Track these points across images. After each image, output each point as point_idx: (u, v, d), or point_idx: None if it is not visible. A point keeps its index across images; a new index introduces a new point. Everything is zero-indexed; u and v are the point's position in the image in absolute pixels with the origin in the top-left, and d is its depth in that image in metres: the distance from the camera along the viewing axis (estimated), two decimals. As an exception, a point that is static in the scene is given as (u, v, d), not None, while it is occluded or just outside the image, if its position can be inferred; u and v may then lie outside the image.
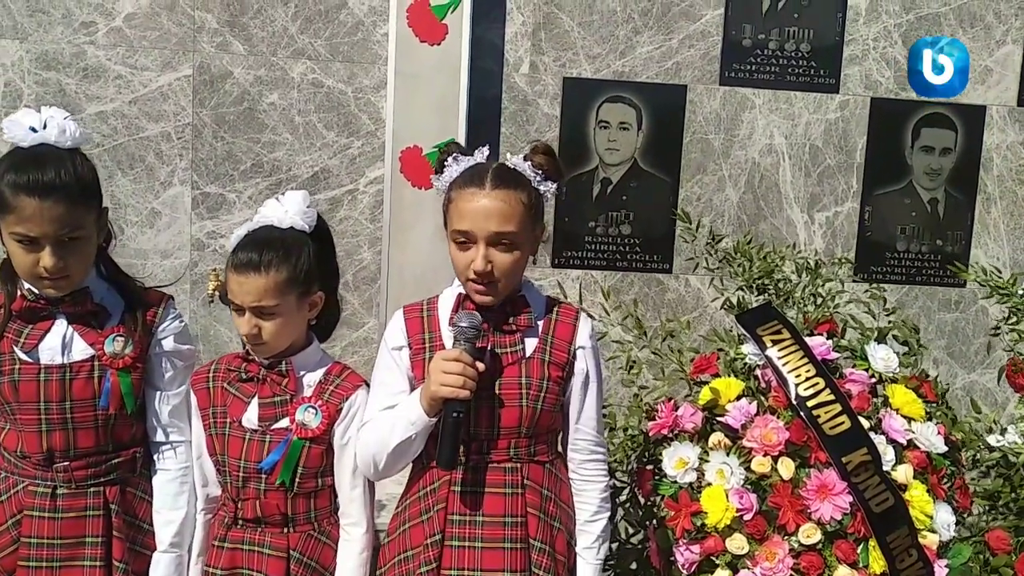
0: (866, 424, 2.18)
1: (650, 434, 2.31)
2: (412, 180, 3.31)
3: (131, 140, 3.39)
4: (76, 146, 1.87)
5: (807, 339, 2.31)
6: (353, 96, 3.44)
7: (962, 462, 2.34)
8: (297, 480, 1.90)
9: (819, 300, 2.62)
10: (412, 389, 1.85)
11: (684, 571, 2.13)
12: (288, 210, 1.95)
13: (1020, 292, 2.62)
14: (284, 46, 3.40)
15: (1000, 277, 2.64)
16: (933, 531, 2.15)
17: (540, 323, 1.89)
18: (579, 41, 3.52)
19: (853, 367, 2.34)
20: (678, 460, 2.21)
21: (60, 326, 1.89)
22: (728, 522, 2.09)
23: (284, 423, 1.91)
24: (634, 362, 2.65)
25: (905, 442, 2.21)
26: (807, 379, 2.22)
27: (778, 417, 2.19)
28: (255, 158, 3.44)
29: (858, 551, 2.09)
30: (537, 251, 1.91)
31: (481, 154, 1.87)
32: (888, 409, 2.25)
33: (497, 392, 1.82)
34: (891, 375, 2.33)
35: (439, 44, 3.27)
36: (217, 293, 3.37)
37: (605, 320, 2.89)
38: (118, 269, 2.01)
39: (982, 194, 3.78)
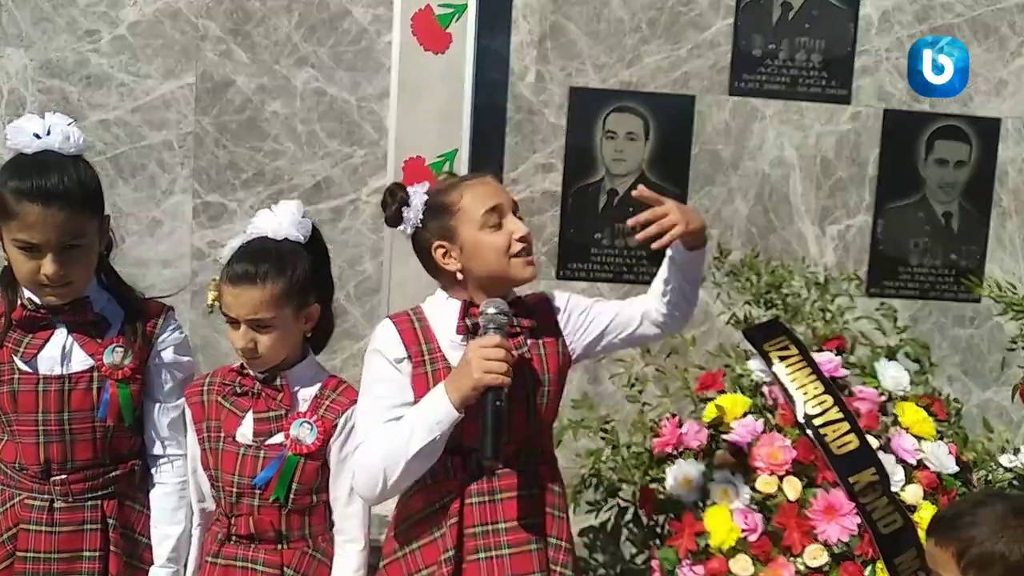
0: (875, 443, 2.17)
1: (654, 451, 2.30)
2: (415, 190, 3.29)
3: (133, 148, 3.39)
4: (79, 153, 1.86)
5: (815, 355, 2.29)
6: (356, 105, 3.43)
7: (973, 483, 2.31)
8: (292, 496, 1.87)
9: (828, 315, 2.59)
10: (414, 402, 1.80)
11: (687, 593, 2.10)
12: (282, 221, 1.94)
13: (1035, 308, 2.58)
14: (287, 55, 3.39)
15: (1015, 293, 2.61)
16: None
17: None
18: (586, 50, 3.50)
19: (863, 385, 2.32)
20: (682, 478, 2.20)
21: (60, 336, 1.88)
22: (733, 543, 2.09)
23: (279, 438, 1.89)
24: (637, 379, 2.62)
25: (915, 462, 2.20)
26: (815, 396, 2.20)
27: (785, 435, 2.18)
28: (257, 167, 3.43)
29: (866, 574, 2.06)
30: None
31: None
32: (898, 428, 2.24)
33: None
34: (901, 393, 2.31)
35: (443, 53, 3.25)
36: (216, 304, 3.36)
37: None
38: (119, 279, 2.00)
39: (997, 208, 3.72)
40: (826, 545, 2.08)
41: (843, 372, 2.32)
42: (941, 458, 2.21)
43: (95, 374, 1.88)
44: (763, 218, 3.63)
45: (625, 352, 2.76)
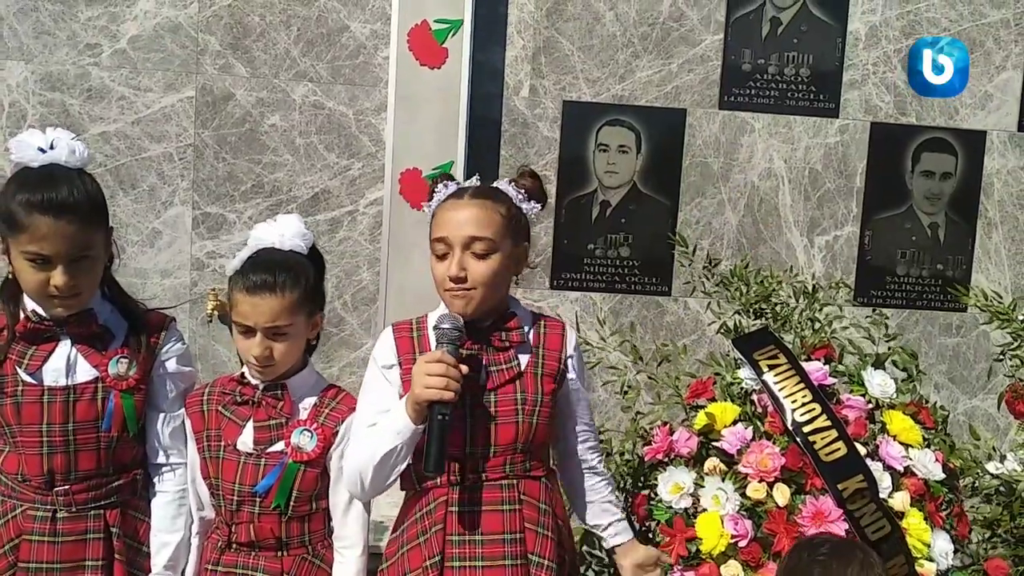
0: (863, 451, 2.17)
1: (645, 459, 2.30)
2: (411, 202, 3.33)
3: (133, 160, 3.41)
4: (83, 166, 1.88)
5: (804, 364, 2.30)
6: (354, 118, 3.46)
7: (960, 489, 2.32)
8: (292, 503, 1.89)
9: (816, 324, 2.61)
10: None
11: (679, 598, 2.11)
12: (285, 233, 1.96)
13: (1021, 318, 2.60)
14: (286, 68, 3.43)
15: (1001, 302, 2.63)
16: (931, 559, 2.13)
17: (531, 337, 1.92)
18: (579, 65, 3.54)
19: (850, 393, 2.33)
20: (673, 485, 2.19)
21: (64, 347, 1.89)
22: (723, 549, 2.07)
23: (279, 446, 1.91)
24: (629, 387, 2.64)
25: (902, 469, 2.19)
26: (803, 404, 2.20)
27: (774, 443, 2.18)
28: (256, 179, 3.46)
29: (854, 579, 2.06)
30: (521, 271, 1.94)
31: (472, 182, 1.91)
32: (885, 435, 2.24)
33: (493, 410, 1.83)
34: (888, 401, 2.32)
35: (440, 67, 3.29)
36: (216, 313, 3.38)
37: (603, 345, 2.89)
38: (121, 290, 2.01)
39: (983, 219, 3.78)
40: None
41: (831, 380, 2.31)
42: (928, 465, 2.20)
43: (100, 385, 1.89)
44: (752, 229, 3.68)
45: (618, 360, 2.80)
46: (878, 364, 2.44)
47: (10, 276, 1.89)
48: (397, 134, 3.31)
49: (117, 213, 3.36)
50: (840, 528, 2.07)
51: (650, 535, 2.29)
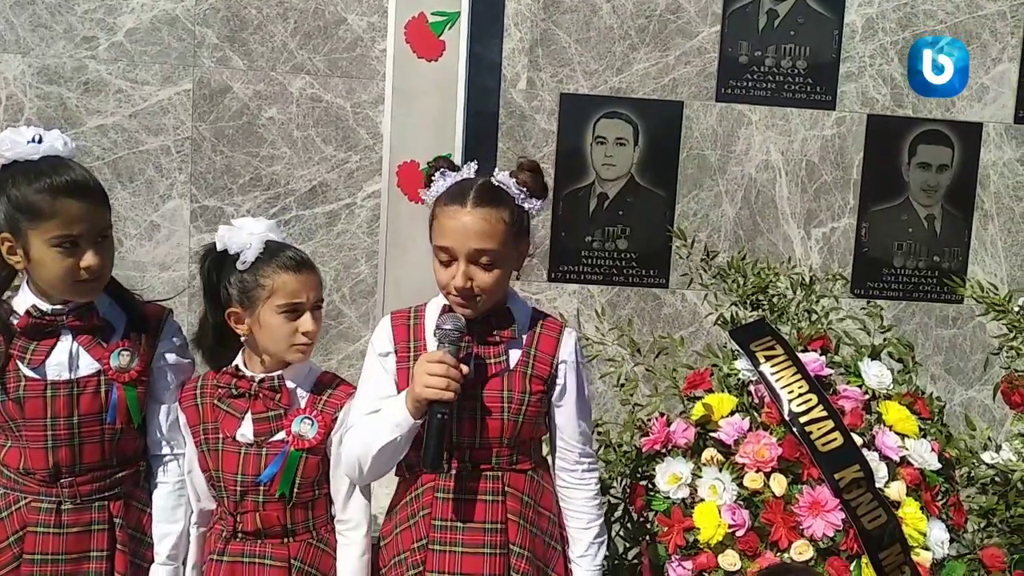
0: (859, 441, 2.18)
1: (643, 450, 2.32)
2: (409, 194, 3.33)
3: (131, 153, 3.41)
4: (72, 158, 1.90)
5: (800, 355, 2.31)
6: (351, 111, 3.46)
7: (955, 479, 2.33)
8: (295, 491, 1.91)
9: (813, 316, 2.62)
10: (397, 394, 1.86)
11: (677, 587, 2.13)
12: (260, 227, 1.97)
13: (1016, 309, 2.61)
14: (283, 61, 3.43)
15: (997, 294, 2.64)
16: (927, 548, 2.14)
17: (524, 336, 1.91)
18: (576, 57, 3.55)
19: (847, 383, 2.34)
20: (671, 476, 2.20)
21: (65, 342, 1.90)
22: (721, 538, 2.09)
23: (280, 436, 1.92)
24: (627, 379, 2.65)
25: (898, 459, 2.20)
26: (800, 395, 2.21)
27: (771, 433, 2.19)
28: (254, 172, 3.46)
29: (851, 568, 2.08)
30: (521, 266, 1.94)
31: (469, 169, 1.90)
32: (881, 426, 2.25)
33: (480, 403, 1.84)
34: (885, 391, 2.33)
35: (437, 60, 3.30)
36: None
37: (600, 338, 2.90)
38: (119, 283, 2.02)
39: (979, 211, 3.79)
40: (812, 540, 2.07)
41: (828, 371, 2.33)
42: (924, 455, 2.21)
43: (102, 378, 1.91)
44: (750, 221, 3.69)
45: (616, 352, 2.81)
46: (874, 355, 2.45)
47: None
48: (394, 127, 3.31)
49: (115, 206, 3.34)
50: (837, 518, 2.08)
51: (648, 525, 2.31)
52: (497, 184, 1.87)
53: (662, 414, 2.37)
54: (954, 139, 3.74)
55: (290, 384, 1.97)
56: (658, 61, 3.58)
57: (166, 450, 2.01)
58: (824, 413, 2.18)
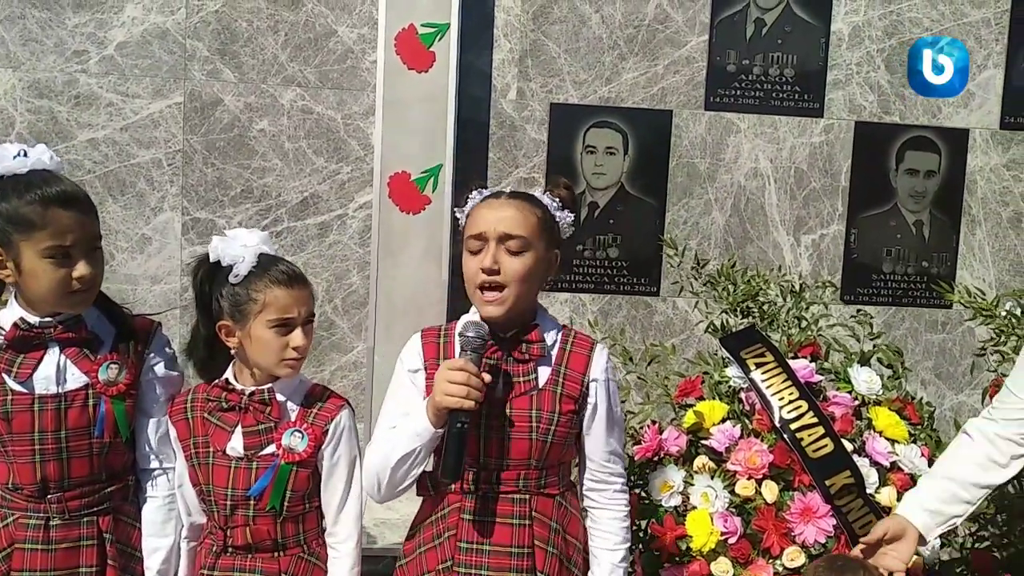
0: (849, 447, 2.19)
1: (635, 458, 2.32)
2: (400, 205, 3.34)
3: (122, 167, 3.41)
4: (58, 171, 1.91)
5: (791, 362, 2.33)
6: (342, 123, 3.47)
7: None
8: (286, 504, 1.90)
9: (803, 323, 2.64)
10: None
11: (670, 595, 2.13)
12: (253, 239, 1.97)
13: (1003, 313, 2.63)
14: (274, 74, 3.43)
15: (985, 298, 2.66)
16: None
17: (554, 353, 1.88)
18: (565, 67, 3.56)
19: (837, 390, 2.36)
20: (663, 483, 2.21)
21: (53, 355, 1.88)
22: (713, 546, 2.10)
23: (270, 449, 1.91)
24: (619, 387, 2.66)
25: (889, 464, 2.22)
26: (790, 402, 2.23)
27: (762, 440, 2.21)
28: (245, 184, 3.46)
29: (843, 574, 2.09)
30: (549, 277, 1.93)
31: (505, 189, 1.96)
32: (872, 431, 2.27)
33: (507, 423, 1.81)
34: (874, 397, 2.34)
35: (427, 71, 3.31)
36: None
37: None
38: (106, 296, 2.01)
39: (967, 216, 3.81)
40: (804, 546, 2.09)
41: (818, 378, 2.35)
42: (914, 460, 2.23)
43: (90, 391, 1.89)
44: (739, 228, 3.70)
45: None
46: (864, 361, 2.47)
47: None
48: (385, 138, 3.32)
49: (106, 219, 3.36)
50: (828, 524, 2.09)
51: (641, 533, 2.32)
52: (530, 192, 1.94)
53: (654, 422, 2.38)
54: (941, 145, 3.77)
55: (280, 397, 1.95)
56: (647, 70, 3.60)
57: (155, 464, 2.00)
58: (815, 419, 2.20)
